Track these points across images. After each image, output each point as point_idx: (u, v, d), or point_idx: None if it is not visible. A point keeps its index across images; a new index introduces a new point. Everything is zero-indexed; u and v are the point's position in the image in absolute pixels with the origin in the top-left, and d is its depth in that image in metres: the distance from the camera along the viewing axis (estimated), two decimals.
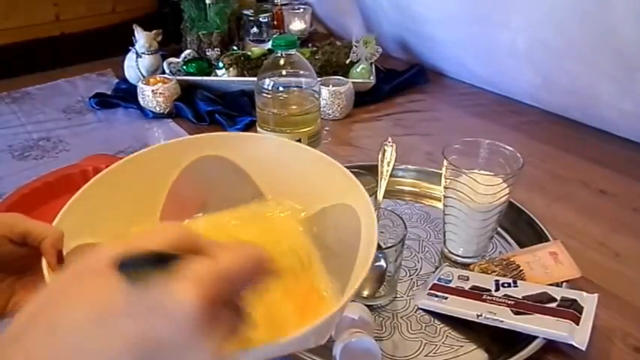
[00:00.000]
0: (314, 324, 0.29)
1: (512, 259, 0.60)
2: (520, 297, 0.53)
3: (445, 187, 0.61)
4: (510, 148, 0.60)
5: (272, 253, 0.39)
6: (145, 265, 0.23)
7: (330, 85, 1.02)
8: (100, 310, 0.22)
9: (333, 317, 0.31)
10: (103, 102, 1.12)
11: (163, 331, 0.22)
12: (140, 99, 1.05)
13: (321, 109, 0.83)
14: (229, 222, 0.44)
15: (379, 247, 0.59)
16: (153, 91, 1.03)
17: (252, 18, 1.27)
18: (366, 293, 0.57)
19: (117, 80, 1.23)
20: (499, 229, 0.66)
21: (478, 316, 0.52)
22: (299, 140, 0.68)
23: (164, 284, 0.22)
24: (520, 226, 0.68)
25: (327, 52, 1.14)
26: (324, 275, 0.42)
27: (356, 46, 1.08)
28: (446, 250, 0.65)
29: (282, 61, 0.68)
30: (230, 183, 0.47)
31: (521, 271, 0.58)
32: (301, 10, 1.41)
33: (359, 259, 0.38)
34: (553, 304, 0.52)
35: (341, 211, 0.43)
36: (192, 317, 0.22)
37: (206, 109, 1.02)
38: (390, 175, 0.64)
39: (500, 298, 0.53)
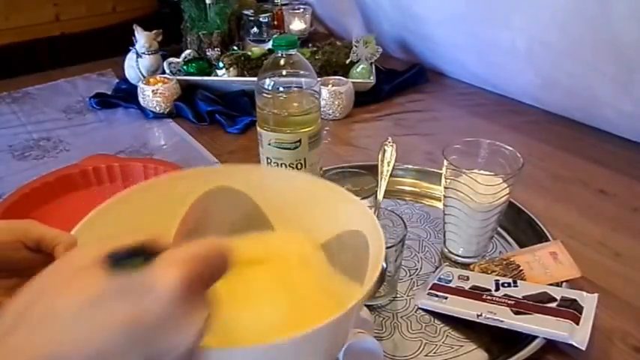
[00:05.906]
0: (303, 332, 0.30)
1: (512, 259, 0.60)
2: (520, 297, 0.53)
3: (445, 187, 0.61)
4: (510, 148, 0.60)
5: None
6: (128, 258, 0.25)
7: (330, 85, 1.02)
8: (92, 295, 0.24)
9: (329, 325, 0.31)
10: (103, 102, 1.12)
11: (151, 310, 0.24)
12: (140, 99, 1.05)
13: (321, 109, 0.83)
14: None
15: None
16: (153, 91, 1.03)
17: (252, 18, 1.27)
18: None
19: (117, 80, 1.23)
20: (499, 229, 0.66)
21: (478, 316, 0.52)
22: (299, 140, 0.68)
23: (148, 269, 0.25)
24: (520, 226, 0.68)
25: (327, 52, 1.14)
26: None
27: (356, 46, 1.08)
28: (446, 250, 0.65)
29: (282, 61, 0.68)
30: (240, 214, 0.48)
31: (521, 271, 0.58)
32: (301, 10, 1.40)
33: (367, 276, 0.38)
34: (553, 304, 0.52)
35: (350, 238, 0.43)
36: (177, 295, 0.24)
37: (206, 109, 1.02)
38: (390, 175, 0.64)
39: (500, 297, 0.54)
